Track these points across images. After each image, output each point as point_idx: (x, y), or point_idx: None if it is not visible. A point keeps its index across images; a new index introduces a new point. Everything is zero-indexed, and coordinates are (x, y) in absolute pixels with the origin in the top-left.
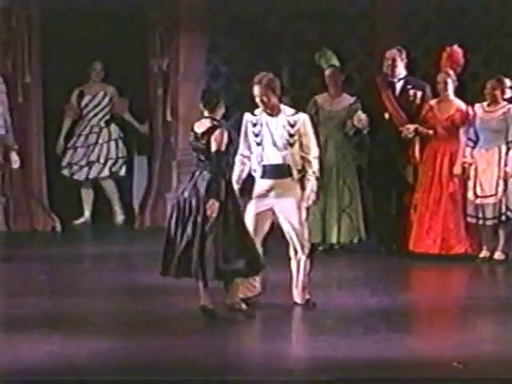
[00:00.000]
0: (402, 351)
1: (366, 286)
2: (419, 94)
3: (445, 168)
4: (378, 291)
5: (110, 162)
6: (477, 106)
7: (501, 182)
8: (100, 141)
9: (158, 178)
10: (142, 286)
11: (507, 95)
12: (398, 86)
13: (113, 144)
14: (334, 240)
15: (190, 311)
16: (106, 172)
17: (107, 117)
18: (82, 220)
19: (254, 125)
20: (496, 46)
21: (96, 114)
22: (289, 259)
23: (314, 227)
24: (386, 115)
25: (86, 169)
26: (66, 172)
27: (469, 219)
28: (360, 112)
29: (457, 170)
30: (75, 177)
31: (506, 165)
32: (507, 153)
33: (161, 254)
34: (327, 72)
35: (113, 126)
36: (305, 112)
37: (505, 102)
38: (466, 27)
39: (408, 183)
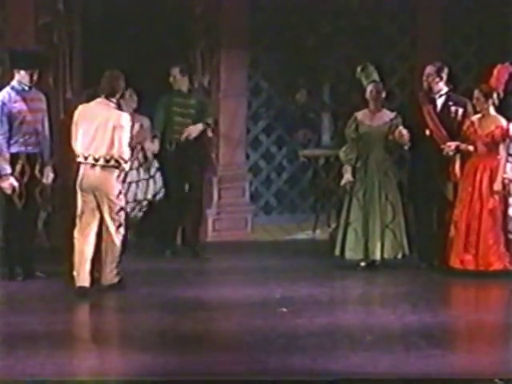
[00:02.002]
0: (444, 368)
1: (408, 302)
2: (460, 110)
3: (484, 184)
4: (419, 307)
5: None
6: None
7: None
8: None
9: None
10: (183, 302)
11: None
12: (439, 102)
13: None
14: (377, 256)
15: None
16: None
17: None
18: None
19: None
20: None
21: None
22: None
23: (356, 243)
24: (427, 131)
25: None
26: None
27: (510, 236)
28: (401, 127)
29: (497, 186)
30: None
31: None
32: None
33: None
34: (368, 87)
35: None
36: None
37: None
38: (507, 42)
39: (448, 200)
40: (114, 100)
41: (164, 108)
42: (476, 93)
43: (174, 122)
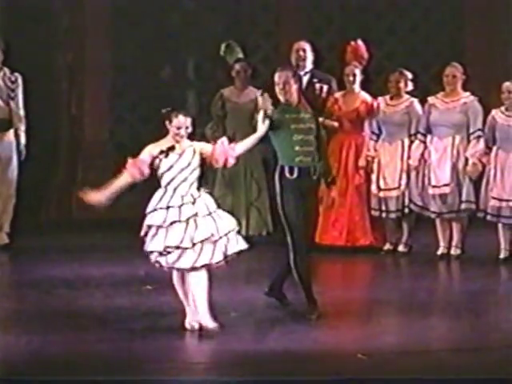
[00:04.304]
0: (307, 343)
1: (272, 278)
2: (325, 87)
3: (350, 161)
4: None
5: None
6: (379, 99)
7: (404, 176)
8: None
9: None
10: (47, 280)
11: (409, 88)
12: (305, 79)
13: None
14: (242, 233)
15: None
16: None
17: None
18: None
19: None
20: (400, 40)
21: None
22: None
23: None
24: None
25: None
26: None
27: (372, 212)
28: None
29: (361, 162)
30: None
31: (409, 158)
32: (410, 146)
33: None
34: (235, 66)
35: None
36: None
37: (407, 96)
38: (370, 21)
39: None
40: None
41: None
42: (347, 69)
43: None
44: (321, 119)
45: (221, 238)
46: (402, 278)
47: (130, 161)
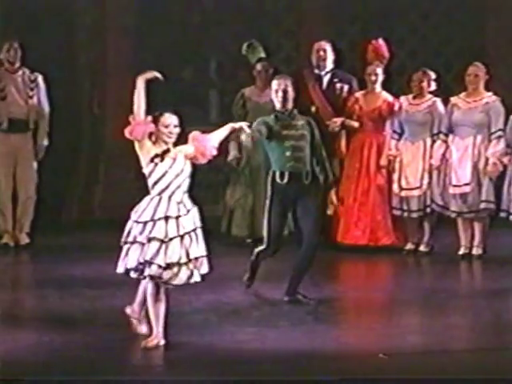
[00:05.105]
0: (328, 343)
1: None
2: (346, 87)
3: (372, 160)
4: (304, 283)
5: None
6: (402, 98)
7: (426, 175)
8: None
9: None
10: (69, 279)
11: (432, 88)
12: (325, 79)
13: None
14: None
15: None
16: None
17: None
18: None
19: None
20: (421, 39)
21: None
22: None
23: (243, 220)
24: (313, 108)
25: None
26: None
27: (394, 212)
28: None
29: (383, 161)
30: None
31: (431, 157)
32: (432, 145)
33: None
34: (256, 65)
35: None
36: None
37: (430, 95)
38: (392, 20)
39: (335, 176)
40: None
41: None
42: (369, 68)
43: None
44: (341, 119)
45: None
46: (424, 278)
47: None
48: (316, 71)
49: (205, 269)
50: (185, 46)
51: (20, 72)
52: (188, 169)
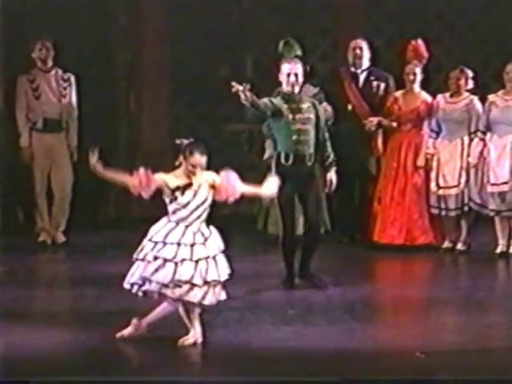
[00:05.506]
0: (365, 341)
1: (330, 276)
2: (382, 85)
3: (409, 160)
4: (341, 281)
5: None
6: (439, 96)
7: (463, 173)
8: None
9: None
10: (106, 277)
11: (469, 86)
12: (362, 77)
13: None
14: (300, 231)
15: None
16: None
17: None
18: None
19: None
20: (459, 37)
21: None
22: None
23: (275, 219)
24: (349, 107)
25: None
26: None
27: (431, 210)
28: (325, 103)
29: (420, 161)
30: None
31: (468, 156)
32: (470, 144)
33: None
34: None
35: None
36: None
37: (467, 93)
38: (429, 18)
39: (371, 175)
40: None
41: None
42: (407, 68)
43: None
44: (378, 118)
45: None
46: (461, 277)
47: (142, 170)
48: (352, 69)
49: (222, 296)
50: (221, 43)
51: (53, 71)
52: (210, 199)
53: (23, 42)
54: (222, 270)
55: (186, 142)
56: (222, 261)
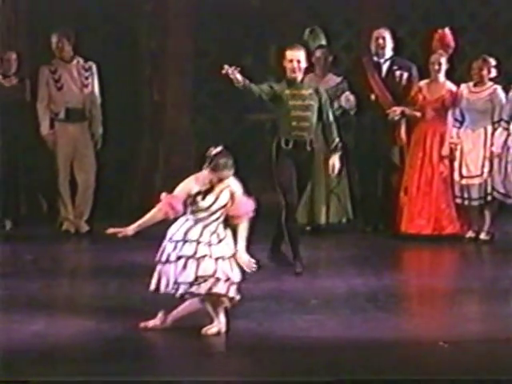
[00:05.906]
0: (389, 331)
1: (354, 266)
2: (405, 74)
3: (435, 149)
4: (364, 271)
5: None
6: (462, 86)
7: (486, 163)
8: None
9: None
10: (130, 266)
11: (493, 75)
12: (385, 66)
13: None
14: (322, 221)
15: None
16: None
17: None
18: None
19: None
20: (482, 26)
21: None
22: None
23: (301, 208)
24: (372, 96)
25: None
26: None
27: (457, 200)
28: (348, 93)
29: (445, 151)
30: None
31: (491, 145)
32: (493, 133)
33: None
34: (316, 52)
35: None
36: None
37: (491, 83)
38: (452, 7)
39: (394, 164)
40: None
41: None
42: (432, 57)
43: None
44: (401, 108)
45: None
46: (485, 266)
47: (164, 196)
48: (375, 59)
49: (236, 294)
50: (245, 32)
51: (74, 61)
52: (230, 203)
53: (48, 31)
54: (235, 271)
55: (214, 151)
56: (234, 263)
